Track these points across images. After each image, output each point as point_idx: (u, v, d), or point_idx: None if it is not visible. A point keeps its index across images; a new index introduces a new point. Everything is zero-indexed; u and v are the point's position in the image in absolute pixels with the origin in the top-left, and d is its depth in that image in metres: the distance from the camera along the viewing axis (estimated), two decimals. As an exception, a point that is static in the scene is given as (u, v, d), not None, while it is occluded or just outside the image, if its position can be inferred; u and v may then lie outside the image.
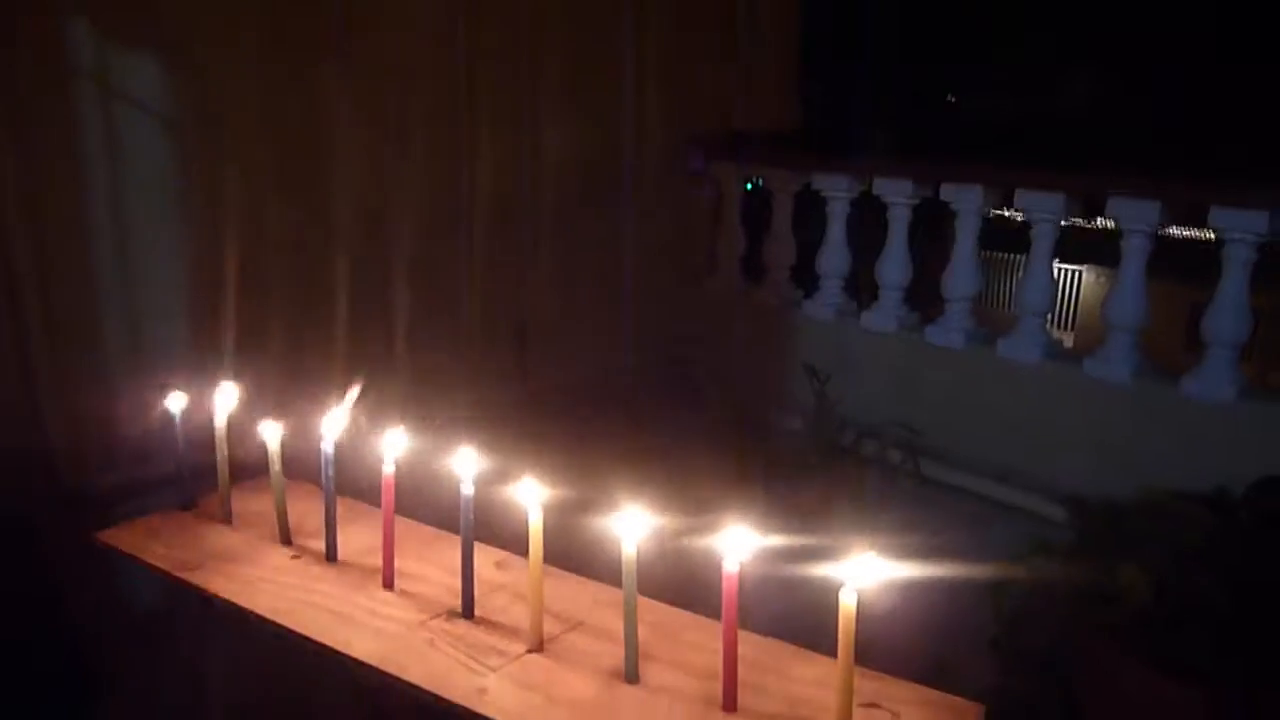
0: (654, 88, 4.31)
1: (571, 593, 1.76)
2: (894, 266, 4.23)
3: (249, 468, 2.13)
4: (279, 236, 2.99)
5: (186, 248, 2.86)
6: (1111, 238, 3.71)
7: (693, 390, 4.36)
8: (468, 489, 1.64)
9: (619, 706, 1.47)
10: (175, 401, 2.02)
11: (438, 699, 1.49)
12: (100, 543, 1.98)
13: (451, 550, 1.89)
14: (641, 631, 1.53)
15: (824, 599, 1.40)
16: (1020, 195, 3.77)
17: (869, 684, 1.48)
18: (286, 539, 1.96)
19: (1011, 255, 8.54)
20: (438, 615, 1.71)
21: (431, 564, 1.87)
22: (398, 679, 1.54)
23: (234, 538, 1.99)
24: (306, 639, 1.65)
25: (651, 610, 1.68)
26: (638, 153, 4.35)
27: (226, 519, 2.05)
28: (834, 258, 4.46)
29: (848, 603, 1.31)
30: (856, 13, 5.03)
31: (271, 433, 1.88)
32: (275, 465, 1.91)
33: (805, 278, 4.69)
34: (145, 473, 2.50)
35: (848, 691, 1.34)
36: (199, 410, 2.04)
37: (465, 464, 1.64)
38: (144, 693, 2.30)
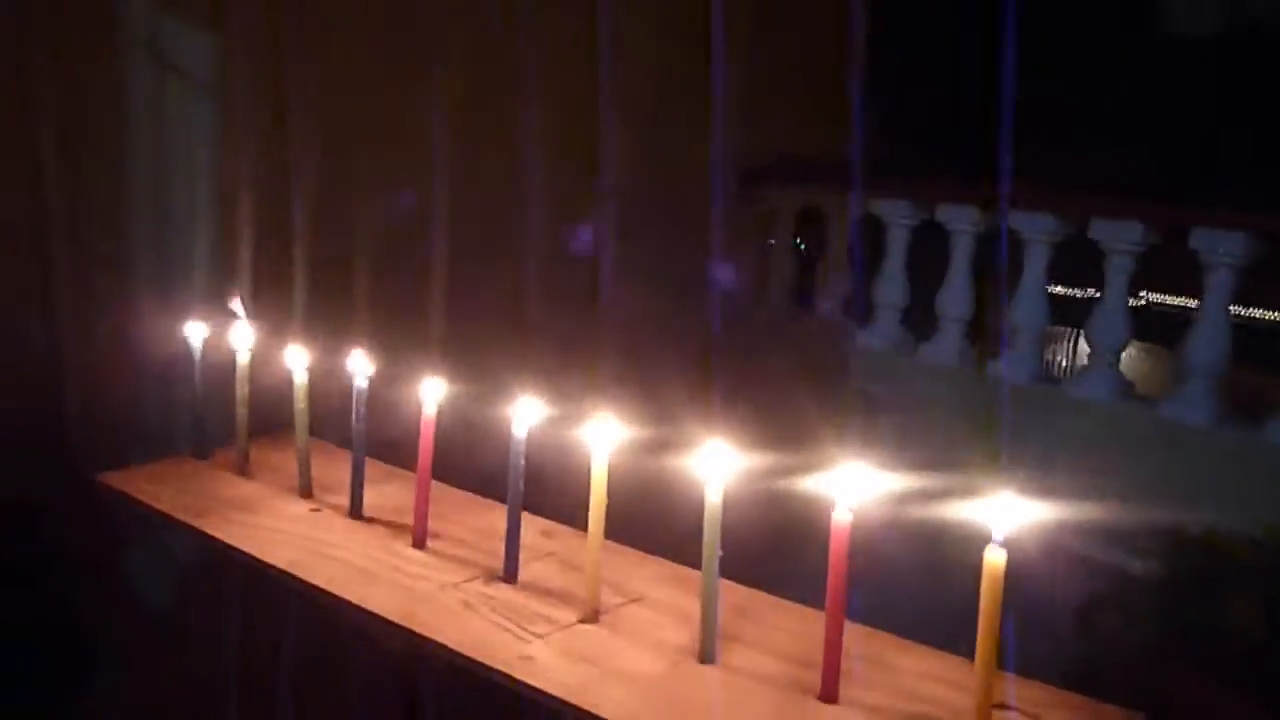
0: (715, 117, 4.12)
1: (631, 566, 1.52)
2: (956, 297, 4.01)
3: (272, 423, 1.92)
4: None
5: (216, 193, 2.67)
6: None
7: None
8: (520, 431, 1.41)
9: (692, 687, 1.22)
10: (195, 332, 1.80)
11: (473, 663, 1.25)
12: (101, 485, 1.76)
13: (490, 515, 1.66)
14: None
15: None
16: (1095, 225, 3.53)
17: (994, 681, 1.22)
18: (308, 491, 1.74)
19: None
20: (474, 578, 1.47)
21: (468, 528, 1.64)
22: (425, 638, 1.30)
23: (249, 488, 1.77)
24: (320, 591, 1.41)
25: (728, 590, 1.43)
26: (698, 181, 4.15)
27: (243, 470, 1.82)
28: (891, 287, 4.25)
29: (994, 561, 1.06)
30: (923, 43, 4.87)
31: (298, 361, 1.66)
32: (300, 401, 1.69)
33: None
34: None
35: (989, 669, 1.08)
36: (221, 352, 1.83)
37: (520, 406, 1.41)
38: (156, 671, 2.07)
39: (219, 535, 1.57)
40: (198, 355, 1.82)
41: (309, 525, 1.63)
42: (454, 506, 1.72)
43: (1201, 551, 2.45)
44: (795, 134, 4.68)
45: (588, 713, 1.15)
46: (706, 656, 1.26)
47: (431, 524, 1.59)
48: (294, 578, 1.45)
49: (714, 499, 1.21)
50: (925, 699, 1.20)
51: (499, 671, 1.23)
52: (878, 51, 5.28)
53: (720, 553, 1.24)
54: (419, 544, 1.56)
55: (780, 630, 1.35)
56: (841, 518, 1.15)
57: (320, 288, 2.61)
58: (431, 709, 1.53)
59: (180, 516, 1.63)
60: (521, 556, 1.48)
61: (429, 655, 1.34)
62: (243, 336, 1.76)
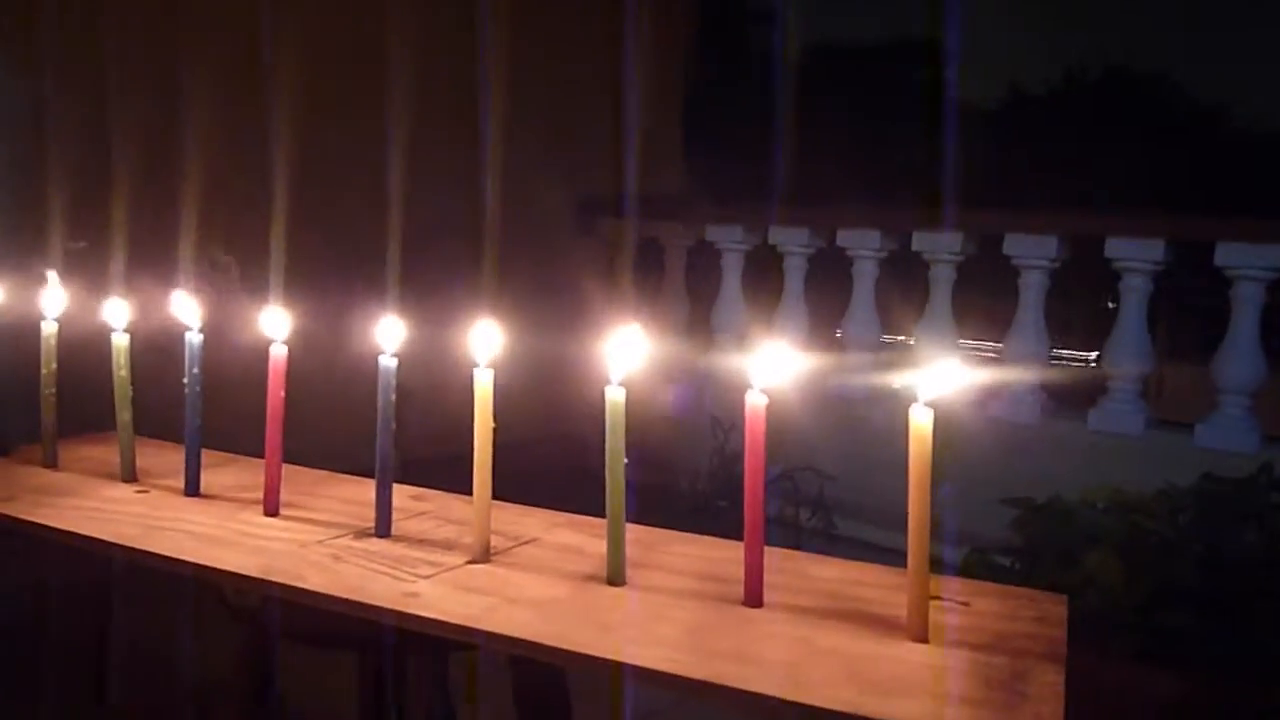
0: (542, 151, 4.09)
1: (516, 517, 1.38)
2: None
3: (91, 421, 1.69)
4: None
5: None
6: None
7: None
8: (389, 361, 1.27)
9: (606, 605, 1.10)
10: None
11: (350, 604, 1.09)
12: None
13: (348, 487, 1.50)
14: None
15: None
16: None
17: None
18: (131, 475, 1.52)
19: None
20: (342, 535, 1.30)
21: (328, 497, 1.47)
22: (294, 589, 1.12)
23: (60, 477, 1.54)
24: (164, 558, 1.22)
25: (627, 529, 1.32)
26: (525, 217, 4.09)
27: (51, 462, 1.58)
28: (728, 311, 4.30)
29: (921, 423, 1.00)
30: (737, 80, 5.04)
31: (117, 316, 1.46)
32: (121, 367, 1.48)
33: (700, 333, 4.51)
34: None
35: (922, 544, 1.02)
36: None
37: (386, 330, 1.27)
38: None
39: (28, 517, 1.34)
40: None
41: (138, 504, 1.42)
42: (309, 481, 1.54)
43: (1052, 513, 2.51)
44: (634, 171, 4.72)
45: (492, 635, 1.01)
46: (615, 577, 1.15)
47: (286, 496, 1.41)
48: (125, 549, 1.24)
49: (617, 398, 1.11)
50: (852, 598, 1.13)
51: (380, 608, 1.07)
52: (702, 98, 5.45)
53: (626, 460, 1.13)
54: (272, 511, 1.38)
55: (686, 556, 1.26)
56: (756, 400, 1.07)
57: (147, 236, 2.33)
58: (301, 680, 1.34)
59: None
60: (393, 517, 1.33)
61: (296, 615, 1.16)
62: (51, 301, 1.54)
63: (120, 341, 1.48)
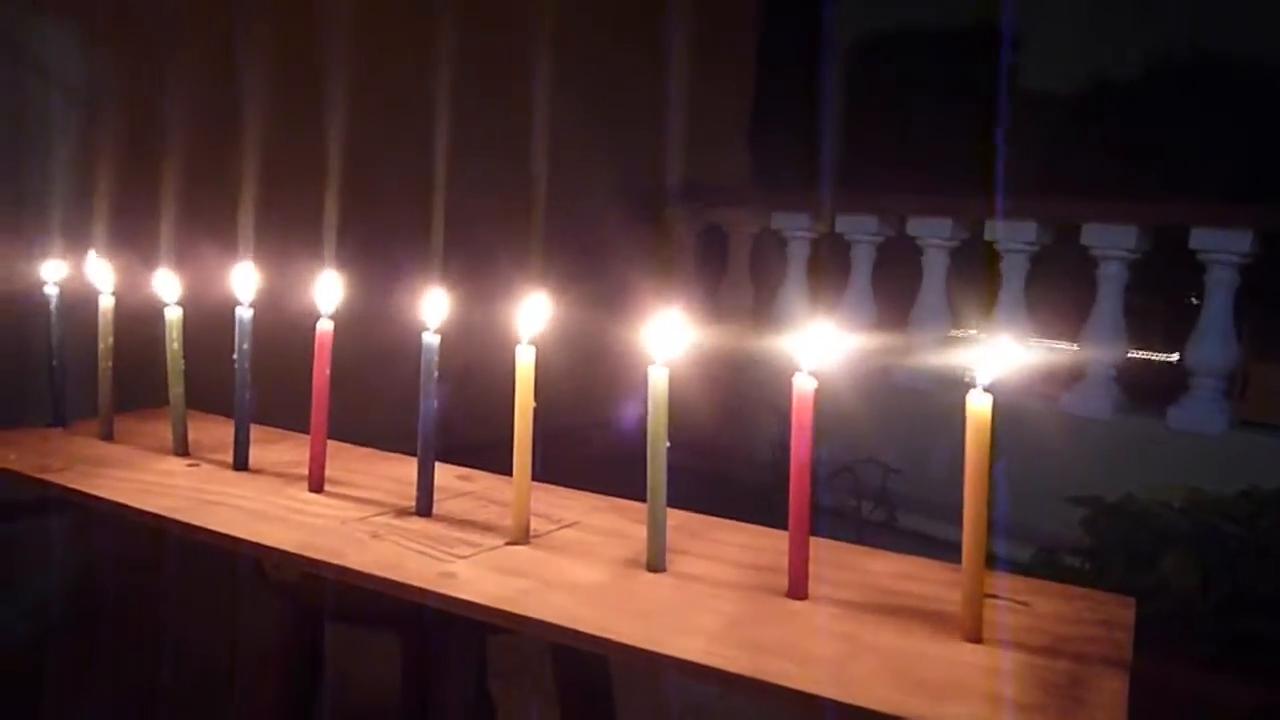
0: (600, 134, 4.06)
1: (560, 500, 1.36)
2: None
3: (147, 396, 1.71)
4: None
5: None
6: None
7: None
8: (432, 338, 1.25)
9: (644, 592, 1.07)
10: (52, 271, 1.59)
11: (385, 583, 1.07)
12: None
13: (396, 466, 1.49)
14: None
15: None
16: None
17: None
18: (184, 449, 1.53)
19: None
20: (382, 513, 1.29)
21: (373, 475, 1.46)
22: (329, 565, 1.11)
23: (115, 449, 1.55)
24: (207, 531, 1.21)
25: (670, 515, 1.28)
26: (577, 200, 4.06)
27: (107, 435, 1.60)
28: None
29: (979, 408, 0.95)
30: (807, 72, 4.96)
31: (169, 289, 1.46)
32: (174, 340, 1.48)
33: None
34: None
35: (979, 538, 0.96)
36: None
37: (431, 306, 1.25)
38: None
39: (79, 487, 1.35)
40: (55, 303, 1.60)
41: (187, 478, 1.42)
42: (356, 458, 1.54)
43: (1125, 513, 2.41)
44: (697, 160, 4.68)
45: (524, 619, 0.98)
46: (655, 563, 1.11)
47: (331, 473, 1.41)
48: (175, 522, 1.24)
49: (659, 378, 1.07)
50: (903, 593, 1.08)
51: (415, 588, 1.05)
52: (771, 83, 5.36)
53: (668, 444, 1.09)
54: (316, 487, 1.37)
55: (730, 544, 1.21)
56: (804, 383, 1.02)
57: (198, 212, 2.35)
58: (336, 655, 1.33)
59: (33, 474, 1.40)
60: (436, 496, 1.31)
61: (336, 592, 1.15)
62: (103, 275, 1.55)
63: (172, 315, 1.48)
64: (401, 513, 1.28)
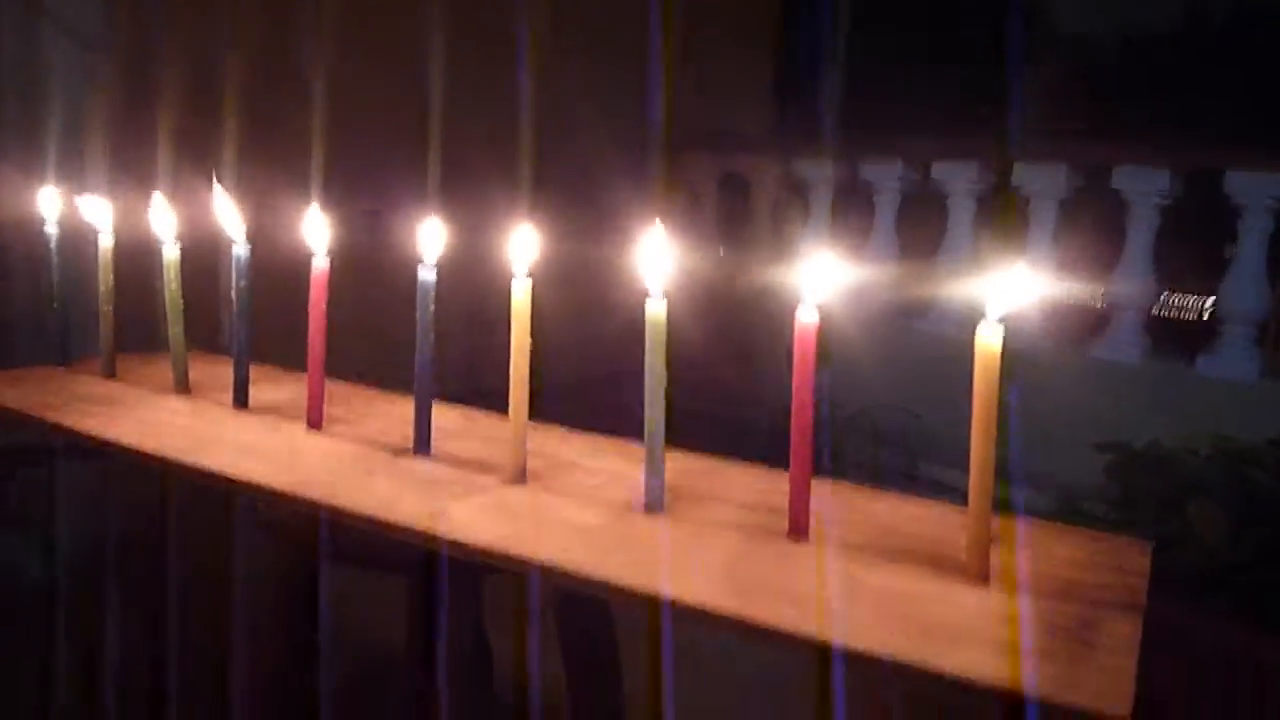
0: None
1: (559, 440, 1.33)
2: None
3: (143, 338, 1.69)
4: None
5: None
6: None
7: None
8: (428, 274, 1.21)
9: (642, 533, 1.04)
10: (47, 203, 1.56)
11: (377, 523, 1.04)
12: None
13: (396, 405, 1.46)
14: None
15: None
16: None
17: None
18: (184, 387, 1.51)
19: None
20: (379, 451, 1.26)
21: (373, 415, 1.43)
22: (319, 504, 1.09)
23: (115, 387, 1.54)
24: (198, 470, 1.19)
25: (674, 457, 1.25)
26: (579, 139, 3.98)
27: (110, 373, 1.58)
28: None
29: (987, 341, 0.90)
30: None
31: (163, 223, 1.43)
32: (171, 280, 1.46)
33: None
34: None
35: (986, 469, 0.92)
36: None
37: (427, 237, 1.21)
38: None
39: (74, 425, 1.33)
40: (54, 241, 1.58)
41: (184, 416, 1.40)
42: (360, 399, 1.51)
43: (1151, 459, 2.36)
44: (716, 108, 4.59)
45: (514, 559, 0.95)
46: (653, 504, 1.08)
47: (332, 411, 1.38)
48: (169, 462, 1.23)
49: (656, 311, 1.03)
50: (909, 536, 1.04)
51: (407, 529, 1.02)
52: (798, 24, 5.23)
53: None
54: (314, 424, 1.35)
55: (734, 486, 1.18)
56: (805, 316, 0.98)
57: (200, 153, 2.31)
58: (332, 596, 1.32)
59: (32, 412, 1.39)
60: (435, 436, 1.28)
61: (336, 533, 1.13)
62: (101, 213, 1.52)
63: (170, 255, 1.46)
64: (399, 452, 1.26)
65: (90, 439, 1.31)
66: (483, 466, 1.21)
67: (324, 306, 1.31)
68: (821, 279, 0.96)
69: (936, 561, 0.97)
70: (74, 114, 2.23)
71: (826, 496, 1.10)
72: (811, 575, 0.95)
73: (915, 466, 3.42)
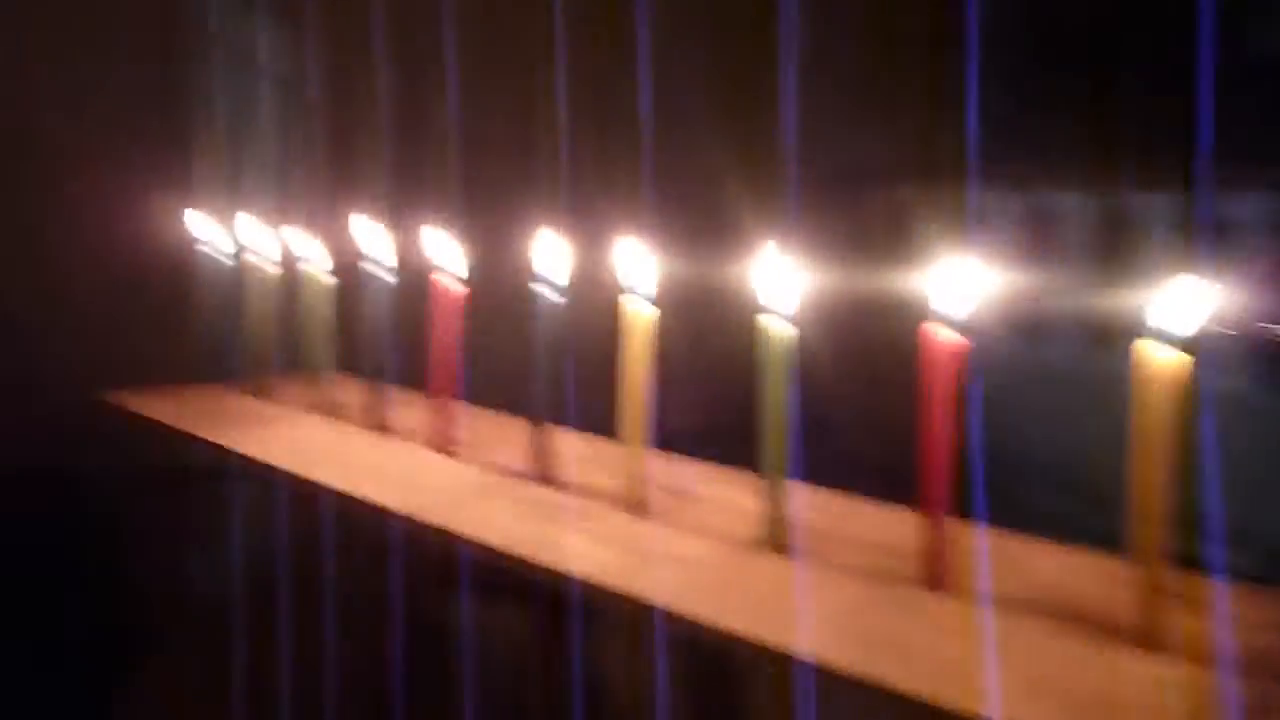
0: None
1: (679, 470, 1.25)
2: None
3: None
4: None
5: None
6: None
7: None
8: (551, 294, 1.17)
9: (764, 572, 0.95)
10: (196, 223, 1.62)
11: (486, 550, 1.00)
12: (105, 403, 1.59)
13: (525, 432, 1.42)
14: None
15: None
16: None
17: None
18: (328, 408, 1.52)
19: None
20: (498, 477, 1.23)
21: (501, 440, 1.40)
22: (426, 525, 1.06)
23: (267, 408, 1.57)
24: (311, 484, 1.19)
25: (805, 491, 1.16)
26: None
27: (262, 393, 1.63)
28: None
29: (1162, 363, 0.77)
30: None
31: (317, 255, 1.45)
32: (321, 304, 1.48)
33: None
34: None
35: (1154, 513, 0.79)
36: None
37: (548, 254, 1.17)
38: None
39: (208, 436, 1.37)
40: (207, 253, 1.64)
41: (319, 435, 1.42)
42: (492, 424, 1.49)
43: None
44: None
45: (620, 595, 0.89)
46: (778, 541, 0.99)
47: (466, 437, 1.36)
48: (288, 476, 1.24)
49: (779, 330, 0.95)
50: (1064, 589, 0.91)
51: (516, 557, 0.98)
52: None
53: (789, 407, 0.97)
54: (442, 448, 1.33)
55: (866, 525, 1.07)
56: (939, 332, 0.87)
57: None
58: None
59: (179, 426, 1.44)
60: (558, 462, 1.24)
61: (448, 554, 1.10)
62: (266, 241, 1.56)
63: (324, 279, 1.48)
64: (517, 476, 1.22)
65: (226, 453, 1.33)
66: (600, 496, 1.15)
67: (454, 329, 1.30)
68: (967, 291, 0.86)
69: (1095, 620, 0.84)
70: (267, 151, 2.35)
71: (973, 543, 0.99)
72: (944, 630, 0.84)
73: (1090, 515, 3.14)
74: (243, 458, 1.29)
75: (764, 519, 1.00)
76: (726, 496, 1.15)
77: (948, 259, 0.86)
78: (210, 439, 1.38)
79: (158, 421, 1.47)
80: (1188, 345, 0.76)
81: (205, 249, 1.63)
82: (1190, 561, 0.90)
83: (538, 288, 1.16)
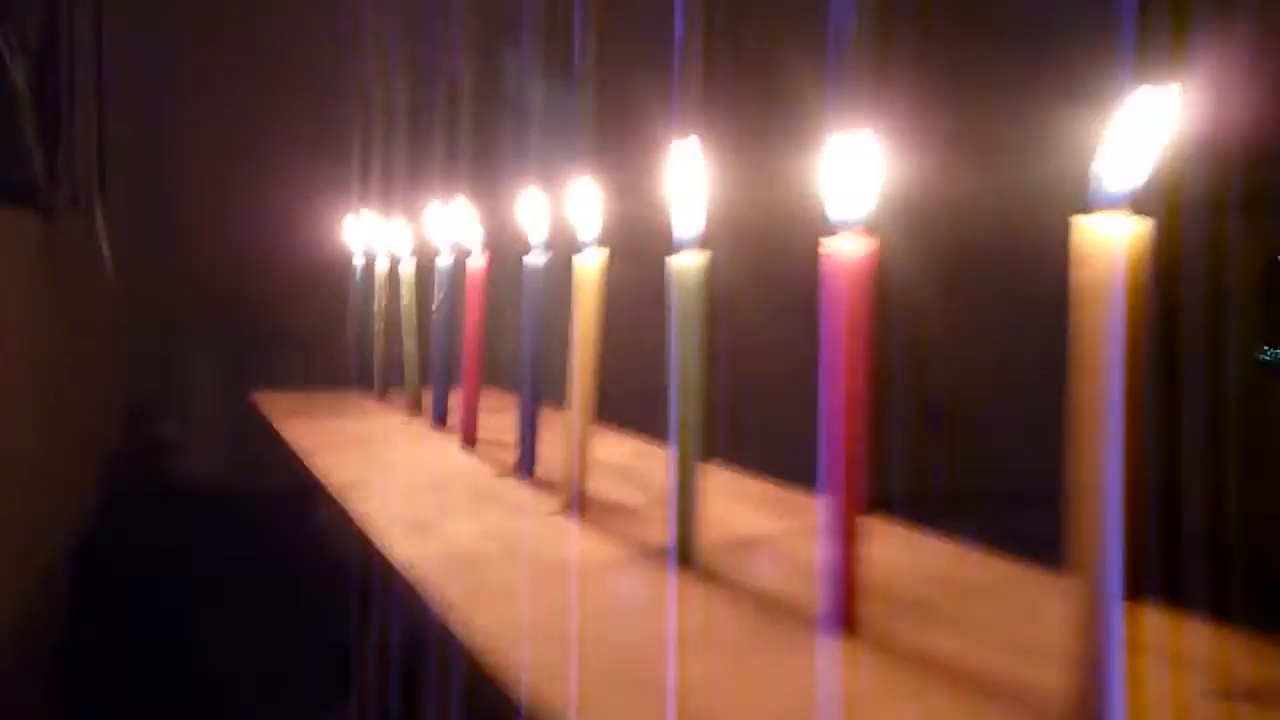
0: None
1: (753, 504, 0.97)
2: None
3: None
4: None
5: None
6: None
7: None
8: (535, 259, 1.00)
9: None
10: (355, 231, 1.61)
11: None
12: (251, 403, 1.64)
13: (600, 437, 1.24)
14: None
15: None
16: None
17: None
18: (415, 411, 1.45)
19: None
20: (500, 475, 1.07)
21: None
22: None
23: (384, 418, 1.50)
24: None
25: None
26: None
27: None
28: None
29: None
30: None
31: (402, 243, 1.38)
32: (406, 297, 1.40)
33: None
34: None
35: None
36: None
37: (534, 217, 1.00)
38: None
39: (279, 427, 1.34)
40: (359, 262, 1.63)
41: (387, 430, 1.36)
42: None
43: None
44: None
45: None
46: (684, 558, 0.73)
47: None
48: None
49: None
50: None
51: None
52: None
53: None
54: (468, 442, 1.20)
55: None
56: (842, 246, 0.60)
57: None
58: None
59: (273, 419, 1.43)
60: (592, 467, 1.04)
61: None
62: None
63: (406, 270, 1.43)
64: (509, 472, 1.06)
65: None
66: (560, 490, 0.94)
67: (480, 312, 1.17)
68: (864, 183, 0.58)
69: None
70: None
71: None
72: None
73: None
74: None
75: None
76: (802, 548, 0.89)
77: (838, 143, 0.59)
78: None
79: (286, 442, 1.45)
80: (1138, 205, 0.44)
81: (357, 259, 1.62)
82: None
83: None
